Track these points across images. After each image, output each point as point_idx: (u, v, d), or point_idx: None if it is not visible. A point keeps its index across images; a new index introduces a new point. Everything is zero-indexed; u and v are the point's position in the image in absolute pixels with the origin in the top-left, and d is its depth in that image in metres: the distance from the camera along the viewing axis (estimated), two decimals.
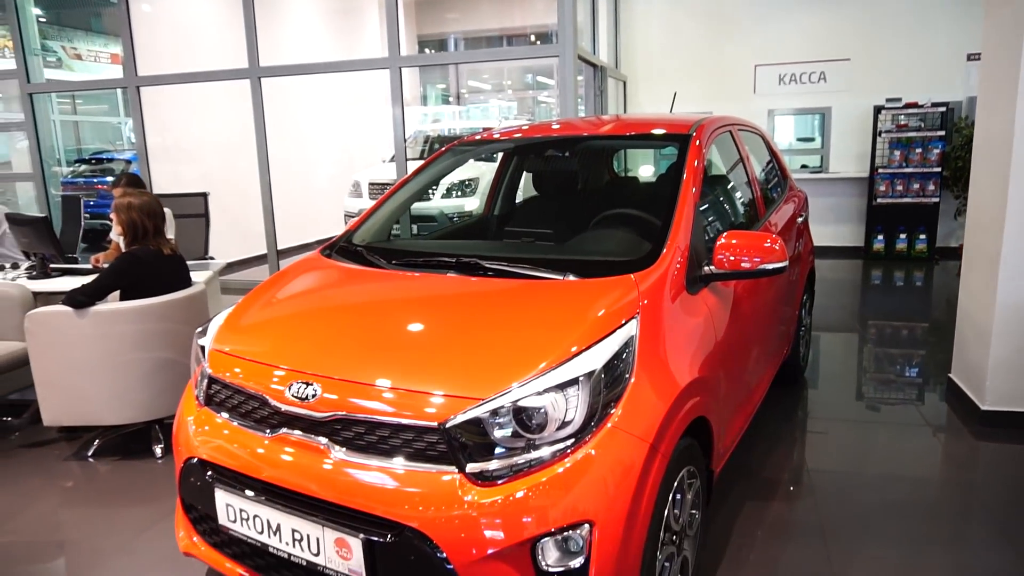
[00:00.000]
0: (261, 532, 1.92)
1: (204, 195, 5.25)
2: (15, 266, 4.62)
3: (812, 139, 8.69)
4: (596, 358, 1.84)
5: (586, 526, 1.68)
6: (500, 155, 4.00)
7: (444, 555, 1.65)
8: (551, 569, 1.69)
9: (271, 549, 1.91)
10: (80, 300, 3.31)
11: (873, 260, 8.13)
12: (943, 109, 7.66)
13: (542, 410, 1.74)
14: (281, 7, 9.93)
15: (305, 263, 2.76)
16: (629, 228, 2.72)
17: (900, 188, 7.96)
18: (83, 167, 11.10)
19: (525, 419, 1.74)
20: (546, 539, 1.67)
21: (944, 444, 3.57)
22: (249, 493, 1.93)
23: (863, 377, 4.64)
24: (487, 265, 2.36)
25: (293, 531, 1.85)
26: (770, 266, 2.35)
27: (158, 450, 3.61)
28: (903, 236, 8.04)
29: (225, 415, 2.10)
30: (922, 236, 7.97)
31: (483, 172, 8.43)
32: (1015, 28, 3.33)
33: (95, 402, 3.45)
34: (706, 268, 2.41)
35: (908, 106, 7.72)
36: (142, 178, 5.71)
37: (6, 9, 7.07)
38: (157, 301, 3.44)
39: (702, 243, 2.50)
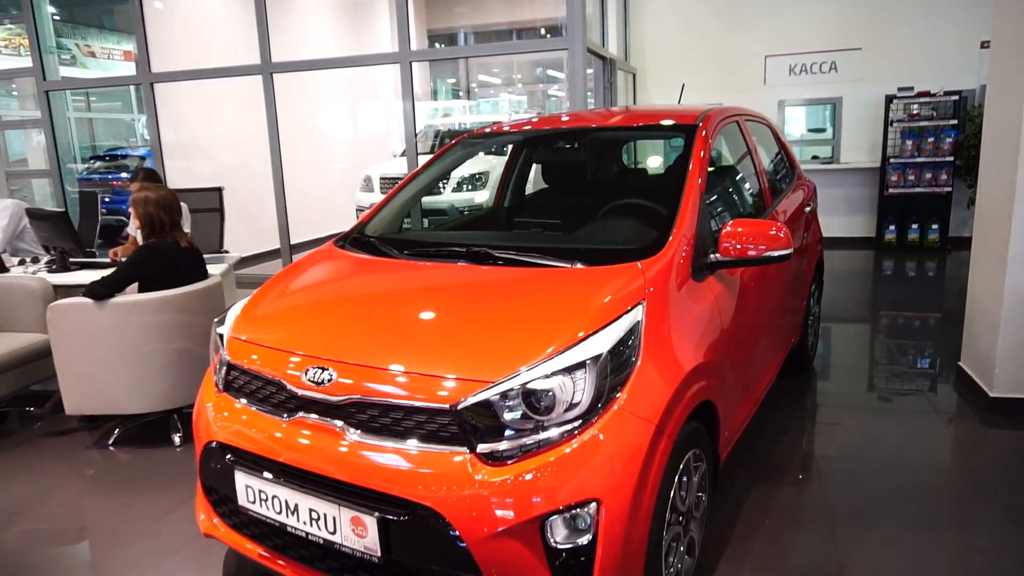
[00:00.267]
0: (279, 512, 1.98)
1: (219, 190, 5.33)
2: (35, 260, 4.73)
3: (823, 130, 8.66)
4: (603, 342, 1.89)
5: (593, 504, 1.73)
6: (510, 148, 4.04)
7: (456, 532, 1.71)
8: (560, 546, 1.74)
9: (289, 528, 1.98)
10: (100, 292, 3.40)
11: (885, 250, 8.10)
12: (956, 98, 7.61)
13: (550, 393, 1.80)
14: (292, 3, 9.99)
15: (319, 254, 2.82)
16: (636, 218, 2.76)
17: (912, 178, 7.92)
18: (98, 163, 11.23)
19: (534, 401, 1.79)
20: (555, 517, 1.72)
21: (952, 431, 3.59)
22: (267, 475, 2.00)
23: (873, 366, 4.66)
24: (496, 254, 2.42)
25: (310, 511, 1.91)
26: (775, 253, 2.39)
27: (176, 438, 3.70)
28: (915, 226, 8.01)
29: (244, 400, 2.16)
30: (934, 226, 7.93)
31: (494, 166, 8.47)
32: None
33: (115, 391, 3.54)
34: (712, 256, 2.45)
35: (920, 95, 7.67)
36: (158, 173, 5.80)
37: (22, 8, 7.18)
38: (175, 293, 3.52)
39: (708, 232, 2.53)
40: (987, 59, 7.48)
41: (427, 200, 7.26)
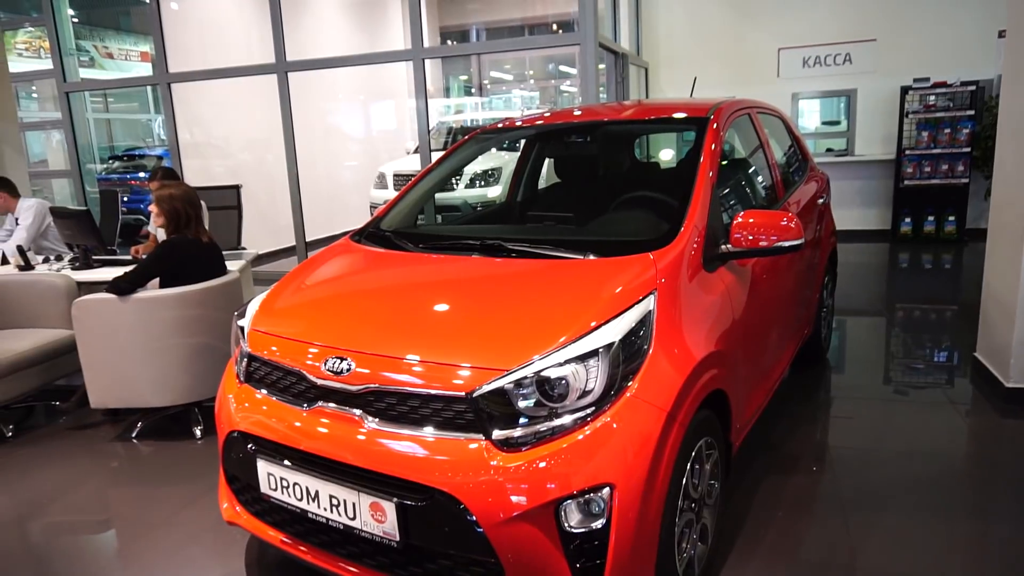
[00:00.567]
0: (301, 499, 2.04)
1: (237, 187, 5.41)
2: (59, 258, 4.83)
3: (837, 122, 8.61)
4: (615, 331, 1.92)
5: (607, 489, 1.77)
6: (523, 143, 4.08)
7: (473, 517, 1.75)
8: (574, 530, 1.78)
9: (310, 515, 2.03)
10: (123, 287, 3.47)
11: (901, 243, 8.05)
12: (972, 88, 7.54)
13: (563, 380, 1.83)
14: (305, 2, 10.07)
15: (336, 248, 2.87)
16: (647, 209, 2.79)
17: (928, 170, 7.86)
18: (116, 163, 11.40)
19: (547, 389, 1.83)
20: (569, 501, 1.76)
21: (967, 421, 3.58)
22: (289, 463, 2.05)
23: (888, 357, 4.65)
24: (510, 247, 2.46)
25: (331, 497, 1.96)
26: (786, 243, 2.41)
27: (198, 431, 3.77)
28: (931, 218, 7.95)
29: (264, 391, 2.22)
30: (951, 218, 7.86)
31: (506, 162, 8.51)
32: None
33: (138, 385, 3.62)
34: (723, 247, 2.47)
35: (936, 86, 7.61)
36: (176, 172, 5.89)
37: (43, 10, 7.30)
38: (195, 288, 3.59)
39: (720, 223, 2.56)
40: (1004, 48, 7.44)
41: (440, 196, 7.31)
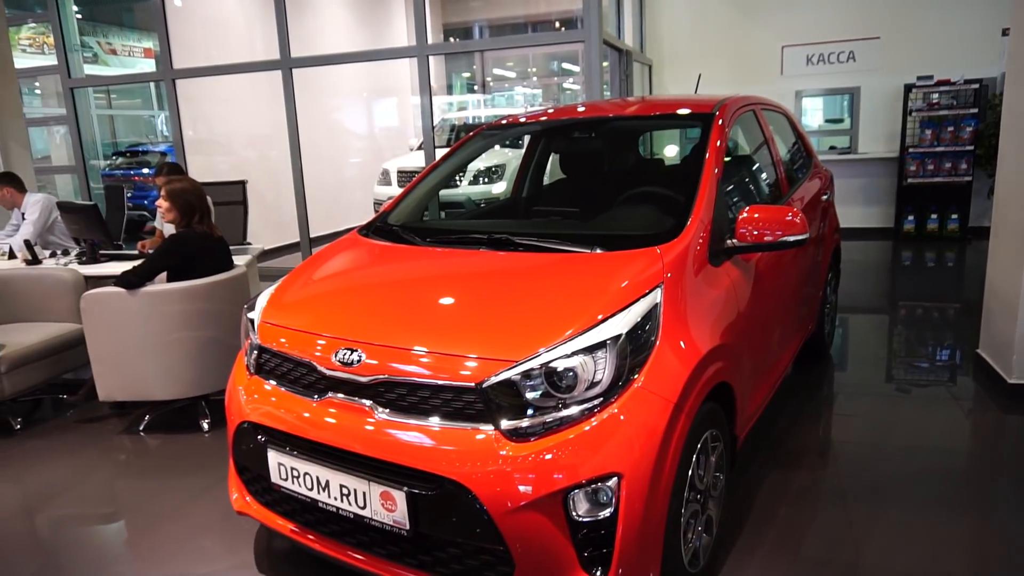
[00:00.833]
0: (311, 488, 2.06)
1: (242, 183, 5.43)
2: (65, 252, 4.85)
3: (841, 120, 8.61)
4: (623, 323, 1.95)
5: (615, 478, 1.79)
6: (528, 139, 4.10)
7: (483, 505, 1.78)
8: (582, 519, 1.80)
9: (320, 504, 2.06)
10: (132, 281, 3.50)
11: (904, 241, 8.06)
12: (976, 86, 7.54)
13: (572, 371, 1.86)
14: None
15: (344, 242, 2.90)
16: (653, 205, 2.81)
17: (931, 168, 7.86)
18: (119, 160, 11.43)
19: (556, 380, 1.86)
20: (577, 491, 1.79)
21: (969, 417, 3.60)
22: (299, 453, 2.08)
23: (891, 354, 4.67)
24: (517, 241, 2.48)
25: (341, 486, 1.99)
26: (791, 238, 2.43)
27: (205, 424, 3.80)
28: (934, 216, 7.96)
29: (275, 382, 2.25)
30: (954, 216, 7.87)
31: (509, 159, 8.52)
32: None
33: (146, 378, 3.65)
34: (729, 242, 2.49)
35: (940, 84, 7.61)
36: (181, 167, 5.92)
37: (47, 6, 7.33)
38: (203, 282, 3.61)
39: (725, 218, 2.57)
40: (1008, 46, 7.43)
41: (444, 193, 7.33)
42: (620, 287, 2.07)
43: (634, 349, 1.94)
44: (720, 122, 2.86)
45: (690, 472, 2.04)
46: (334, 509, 2.03)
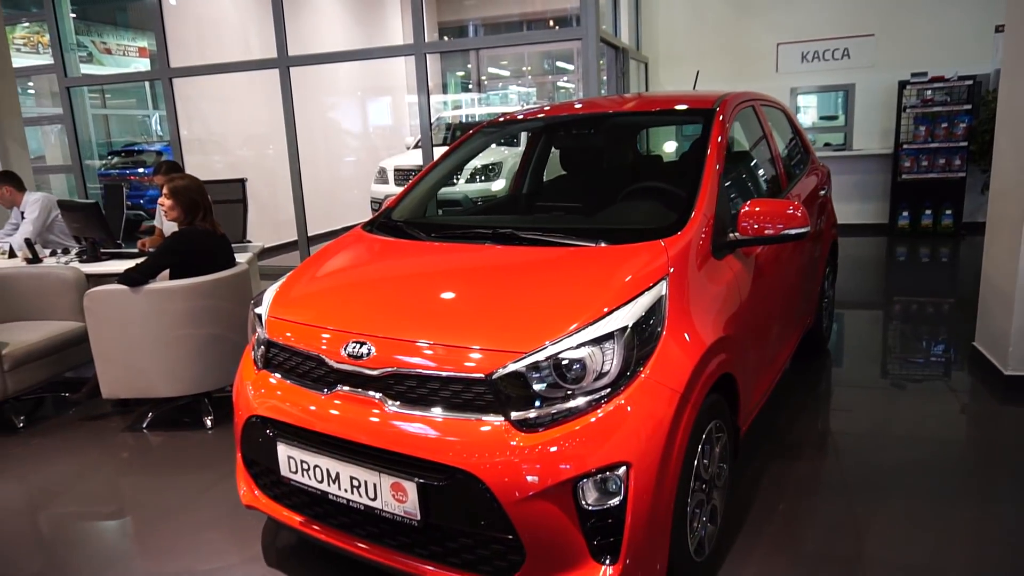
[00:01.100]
0: (321, 481, 2.08)
1: (242, 181, 5.43)
2: (66, 251, 4.85)
3: (835, 117, 8.67)
4: (630, 315, 1.98)
5: (623, 467, 1.82)
6: (528, 135, 4.12)
7: (494, 495, 1.80)
8: (591, 508, 1.83)
9: (330, 496, 2.08)
10: (135, 278, 3.51)
11: (898, 236, 8.12)
12: (969, 83, 7.60)
13: (580, 363, 1.88)
14: None
15: (349, 237, 2.91)
16: (657, 199, 2.84)
17: (925, 164, 7.93)
18: (115, 159, 11.39)
19: (564, 371, 1.88)
20: (587, 480, 1.81)
21: (967, 408, 3.65)
22: (309, 446, 2.10)
23: (887, 348, 4.71)
24: (523, 235, 2.50)
25: (351, 478, 2.01)
26: (793, 231, 2.46)
27: (208, 421, 3.81)
28: (928, 212, 8.02)
29: (284, 376, 2.26)
30: (948, 212, 7.94)
31: (505, 157, 8.54)
32: None
33: (150, 375, 3.66)
34: (731, 235, 2.53)
35: (934, 80, 7.67)
36: (179, 165, 5.92)
37: (44, 6, 7.30)
38: (206, 279, 3.62)
39: (727, 212, 2.61)
40: (1001, 43, 7.49)
41: (441, 191, 7.35)
42: (628, 279, 2.10)
43: (641, 341, 1.96)
44: (721, 117, 2.89)
45: (696, 462, 2.07)
46: (344, 501, 2.05)
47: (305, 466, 2.11)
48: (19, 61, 11.09)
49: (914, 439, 3.27)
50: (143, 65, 13.02)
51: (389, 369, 2.00)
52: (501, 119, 3.61)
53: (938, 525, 2.58)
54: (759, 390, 2.81)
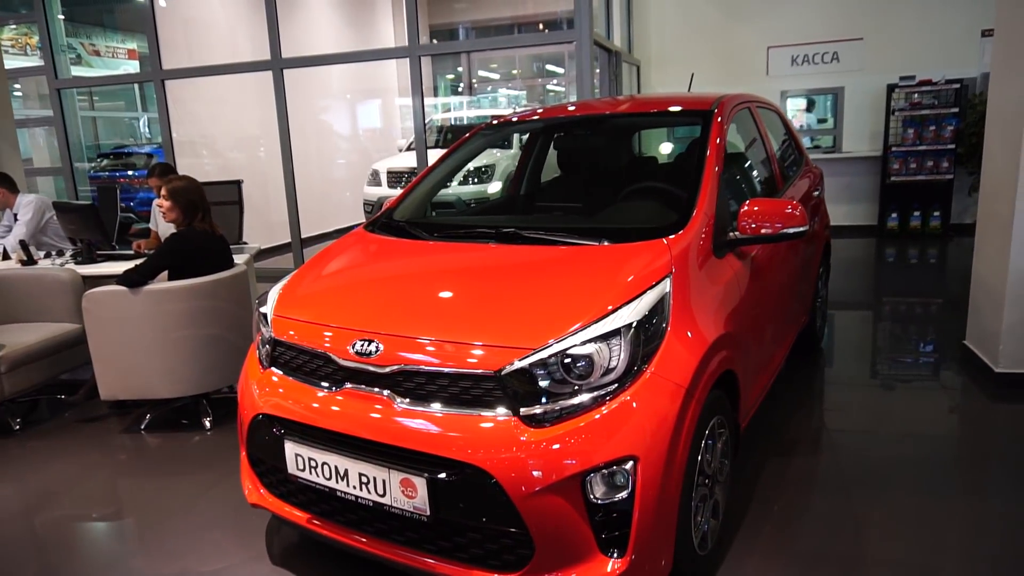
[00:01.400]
0: (329, 478, 2.09)
1: (238, 183, 5.43)
2: (60, 253, 4.83)
3: (825, 120, 8.76)
4: (635, 312, 2.01)
5: (631, 462, 1.84)
6: (528, 136, 4.15)
7: (504, 490, 1.82)
8: (599, 501, 1.85)
9: (338, 493, 2.09)
10: (134, 279, 3.50)
11: (887, 238, 8.22)
12: (957, 86, 7.72)
13: (587, 359, 1.91)
14: (293, 0, 10.07)
15: (351, 237, 2.93)
16: (657, 199, 2.88)
17: (914, 166, 8.03)
18: (104, 162, 11.32)
19: (572, 366, 1.91)
20: (595, 474, 1.84)
21: (959, 406, 3.71)
22: (317, 443, 2.11)
23: (880, 347, 4.78)
24: (526, 234, 2.53)
25: (360, 475, 2.02)
26: (791, 230, 2.50)
27: (207, 422, 3.80)
28: (917, 213, 8.12)
29: (290, 374, 2.27)
30: (936, 213, 8.05)
31: (498, 159, 8.58)
32: None
33: (148, 377, 3.65)
34: (731, 234, 2.56)
35: (922, 84, 7.78)
36: (172, 167, 5.89)
37: (33, 8, 7.26)
38: (205, 280, 3.62)
39: (727, 211, 2.65)
40: (988, 48, 7.61)
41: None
42: (632, 277, 2.13)
43: (646, 338, 1.99)
44: (719, 119, 2.93)
45: (699, 457, 2.10)
46: (352, 498, 2.06)
47: (313, 463, 2.12)
48: (7, 63, 11.00)
49: (908, 436, 3.32)
50: (132, 67, 12.95)
51: (397, 366, 2.02)
52: (512, 119, 3.60)
53: (932, 519, 2.62)
54: (758, 387, 2.86)
